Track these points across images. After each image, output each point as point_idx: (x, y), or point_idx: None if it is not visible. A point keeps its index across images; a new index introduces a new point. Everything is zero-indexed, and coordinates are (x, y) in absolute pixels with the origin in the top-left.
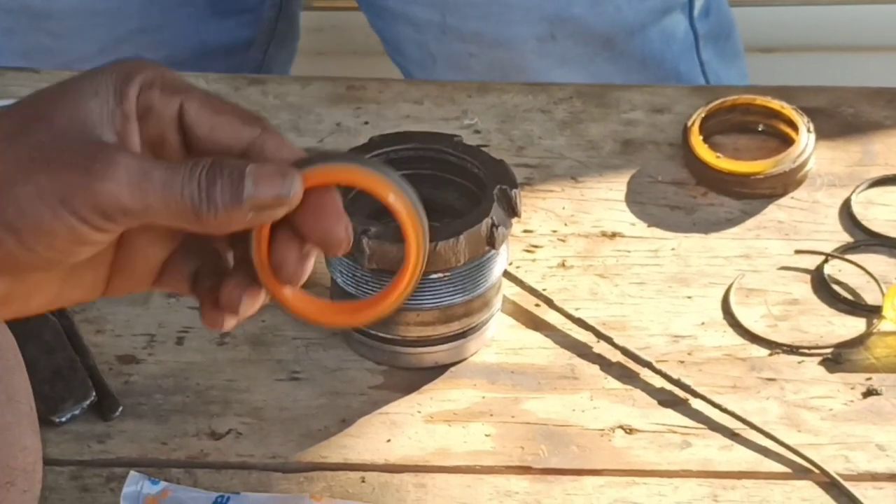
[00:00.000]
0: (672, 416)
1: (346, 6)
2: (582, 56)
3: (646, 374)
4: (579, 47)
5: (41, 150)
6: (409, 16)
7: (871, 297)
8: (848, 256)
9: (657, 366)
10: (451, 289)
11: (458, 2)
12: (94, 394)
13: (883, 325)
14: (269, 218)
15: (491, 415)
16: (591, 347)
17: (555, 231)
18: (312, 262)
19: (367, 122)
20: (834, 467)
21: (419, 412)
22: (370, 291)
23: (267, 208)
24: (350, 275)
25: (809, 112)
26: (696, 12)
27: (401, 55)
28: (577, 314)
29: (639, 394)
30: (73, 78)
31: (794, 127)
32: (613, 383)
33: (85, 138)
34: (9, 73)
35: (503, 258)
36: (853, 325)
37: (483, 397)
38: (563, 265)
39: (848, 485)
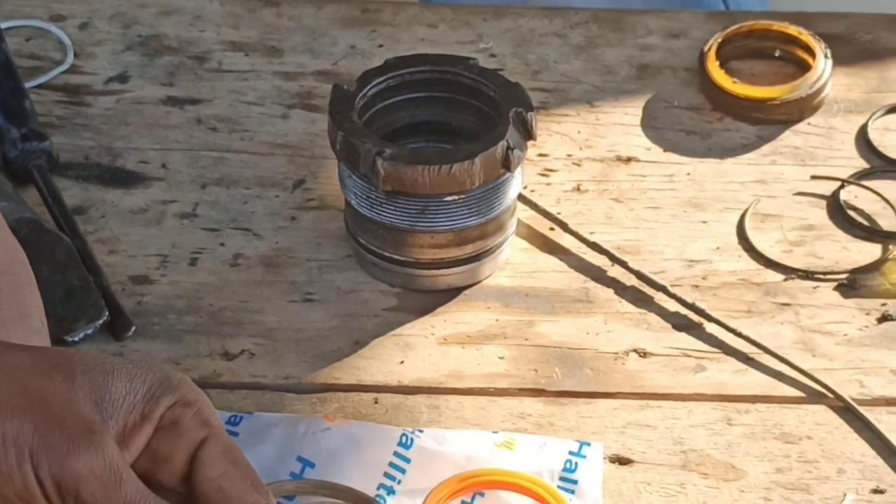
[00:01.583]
0: (686, 340)
1: None
2: None
3: (660, 297)
4: None
5: (43, 395)
6: None
7: (886, 222)
8: (864, 182)
9: (672, 290)
10: (465, 211)
11: None
12: (106, 314)
13: None
14: None
15: (505, 337)
16: (605, 271)
17: (570, 155)
18: None
19: (381, 45)
20: (848, 392)
21: (433, 334)
22: (384, 213)
23: None
24: (365, 197)
25: (827, 38)
26: None
27: None
28: (591, 238)
29: (653, 318)
30: (122, 358)
31: (811, 53)
32: (628, 307)
33: (90, 412)
34: None
35: (518, 181)
36: (868, 251)
37: (497, 320)
38: (577, 189)
39: (862, 409)
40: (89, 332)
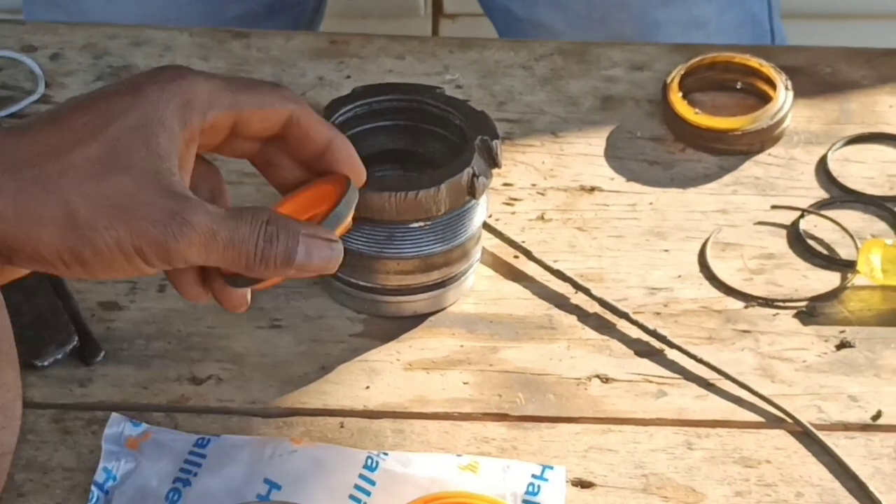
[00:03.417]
0: (648, 366)
1: None
2: None
3: (622, 324)
4: None
5: (122, 199)
6: None
7: (845, 252)
8: (823, 212)
9: (634, 317)
10: (431, 238)
11: None
12: (76, 338)
13: (857, 280)
14: (307, 275)
15: (469, 363)
16: (568, 298)
17: (534, 184)
18: None
19: (349, 77)
20: (807, 417)
21: (398, 360)
22: (351, 240)
23: (309, 272)
24: None
25: (788, 70)
26: None
27: None
28: (555, 266)
29: (615, 344)
30: (140, 95)
31: (773, 84)
32: (590, 333)
33: (162, 190)
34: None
35: (483, 209)
36: (828, 280)
37: (461, 346)
38: (542, 218)
39: (820, 434)
40: (59, 356)
